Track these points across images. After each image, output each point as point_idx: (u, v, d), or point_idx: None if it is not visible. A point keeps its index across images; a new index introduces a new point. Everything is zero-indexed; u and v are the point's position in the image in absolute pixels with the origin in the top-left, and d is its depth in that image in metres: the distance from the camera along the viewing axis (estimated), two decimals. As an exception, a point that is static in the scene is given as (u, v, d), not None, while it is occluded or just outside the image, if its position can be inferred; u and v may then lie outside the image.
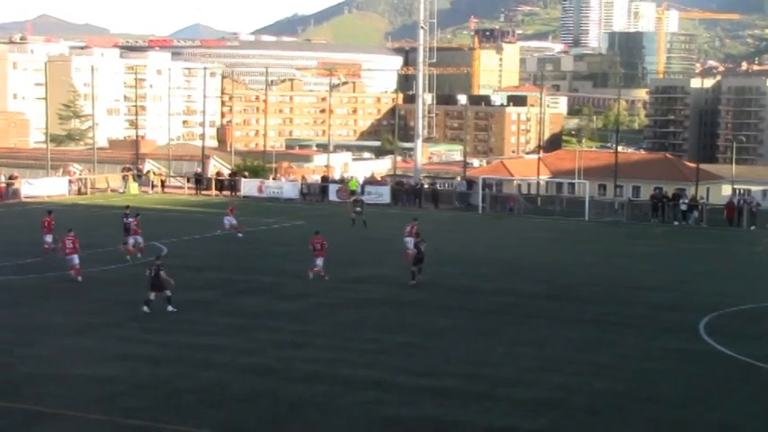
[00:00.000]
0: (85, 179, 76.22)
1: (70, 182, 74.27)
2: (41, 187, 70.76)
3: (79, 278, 37.11)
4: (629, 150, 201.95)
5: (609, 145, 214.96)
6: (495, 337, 29.42)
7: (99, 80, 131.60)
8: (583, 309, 34.16)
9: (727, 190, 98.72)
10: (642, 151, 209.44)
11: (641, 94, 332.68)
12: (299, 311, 32.71)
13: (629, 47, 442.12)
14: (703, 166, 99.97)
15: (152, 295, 31.71)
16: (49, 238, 42.37)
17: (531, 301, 35.44)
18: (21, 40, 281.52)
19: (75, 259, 37.61)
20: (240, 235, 50.42)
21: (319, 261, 38.42)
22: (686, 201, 64.89)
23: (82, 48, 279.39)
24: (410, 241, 40.98)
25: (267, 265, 42.87)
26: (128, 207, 48.20)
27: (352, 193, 70.49)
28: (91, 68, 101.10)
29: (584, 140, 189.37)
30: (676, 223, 62.89)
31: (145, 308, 31.46)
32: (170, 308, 31.65)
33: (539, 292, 37.08)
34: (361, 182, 76.97)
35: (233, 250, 46.62)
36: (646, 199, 74.29)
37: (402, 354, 27.23)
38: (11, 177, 71.80)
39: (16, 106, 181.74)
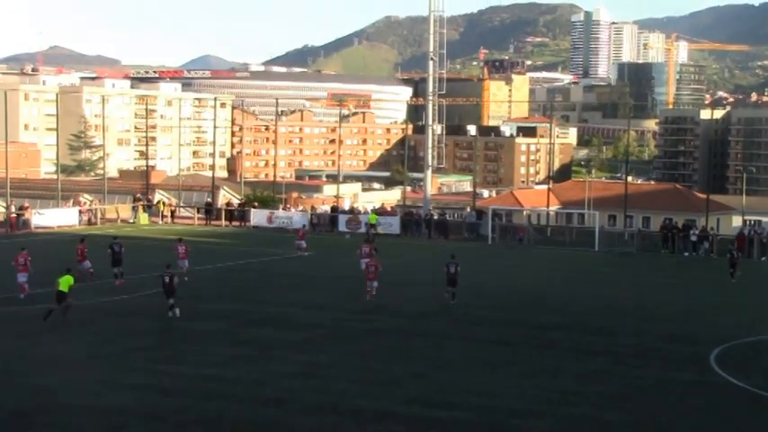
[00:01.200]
0: (96, 209, 76.33)
1: (80, 212, 74.36)
2: (52, 217, 70.86)
3: (22, 296, 38.79)
4: (639, 181, 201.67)
5: (618, 175, 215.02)
6: (505, 368, 29.27)
7: (110, 111, 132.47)
8: (593, 340, 33.98)
9: (737, 221, 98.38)
10: (652, 182, 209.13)
11: (651, 124, 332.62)
12: (307, 342, 32.60)
13: (638, 78, 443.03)
14: (713, 197, 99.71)
15: (171, 301, 35.73)
16: (87, 264, 44.74)
17: (542, 331, 35.26)
18: (32, 71, 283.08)
19: (23, 277, 39.02)
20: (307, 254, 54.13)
21: (373, 284, 40.66)
22: (696, 231, 64.67)
23: (93, 79, 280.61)
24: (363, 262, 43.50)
25: (276, 295, 42.77)
26: (116, 237, 48.05)
27: (372, 226, 70.33)
28: (102, 99, 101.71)
29: (593, 171, 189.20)
30: (687, 254, 62.69)
31: (171, 313, 35.66)
32: (175, 312, 35.78)
33: (549, 323, 36.90)
34: (364, 212, 77.17)
35: (242, 281, 46.57)
36: (656, 230, 74.05)
37: (412, 385, 27.10)
38: (21, 208, 71.92)
39: (27, 137, 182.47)
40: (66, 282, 34.76)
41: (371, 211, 78.83)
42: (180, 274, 40.38)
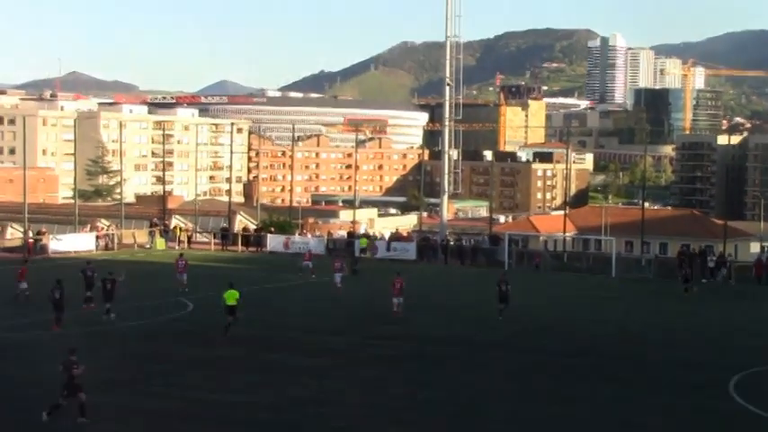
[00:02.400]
0: (113, 234, 76.51)
1: (98, 237, 74.53)
2: (69, 243, 71.01)
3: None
4: (656, 207, 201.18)
5: (635, 201, 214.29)
6: (523, 395, 29.13)
7: (127, 136, 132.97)
8: (611, 366, 33.80)
9: (755, 247, 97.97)
10: (669, 208, 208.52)
11: (668, 150, 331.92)
12: (324, 367, 32.51)
13: (655, 103, 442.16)
14: (731, 223, 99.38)
15: (107, 305, 39.91)
16: (183, 277, 50.17)
17: (559, 358, 35.11)
18: (51, 96, 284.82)
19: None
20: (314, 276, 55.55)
21: (398, 299, 42.61)
22: (714, 258, 64.38)
23: (111, 104, 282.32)
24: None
25: (293, 320, 42.71)
26: (89, 262, 48.05)
27: (362, 251, 70.85)
28: (119, 125, 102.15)
29: (610, 197, 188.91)
30: (704, 281, 62.34)
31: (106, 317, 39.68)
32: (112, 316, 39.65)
33: (566, 350, 36.73)
34: (381, 237, 77.39)
35: (259, 307, 46.52)
36: (673, 256, 73.73)
37: (430, 411, 26.98)
38: (39, 233, 72.17)
39: (45, 162, 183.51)
40: (231, 296, 37.90)
41: (361, 235, 79.28)
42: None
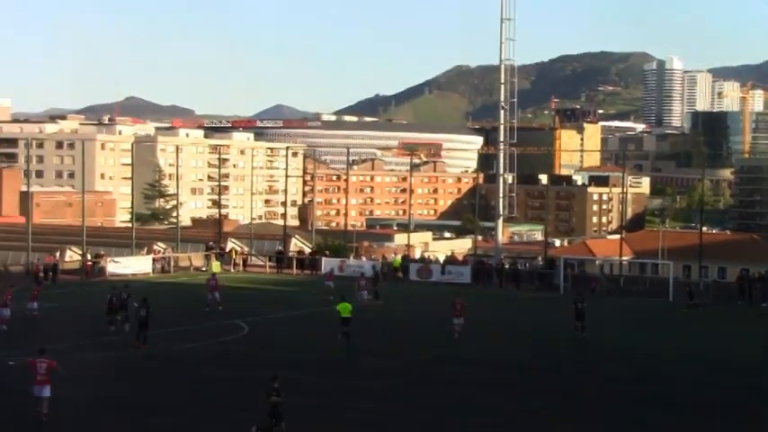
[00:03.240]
0: (169, 257, 77.12)
1: (154, 260, 75.20)
2: (126, 265, 71.67)
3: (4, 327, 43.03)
4: (714, 231, 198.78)
5: (693, 225, 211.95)
6: (584, 420, 28.81)
7: (183, 160, 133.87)
8: (672, 392, 33.29)
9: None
10: (727, 232, 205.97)
11: (726, 173, 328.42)
12: (378, 390, 32.40)
13: (712, 126, 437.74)
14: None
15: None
16: (216, 295, 50.53)
17: (616, 383, 34.70)
18: (109, 121, 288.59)
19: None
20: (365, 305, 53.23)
21: (458, 320, 43.13)
22: (774, 282, 63.34)
23: (168, 128, 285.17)
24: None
25: (347, 343, 42.62)
26: (126, 286, 48.33)
27: (395, 270, 70.80)
28: (176, 148, 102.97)
29: (667, 220, 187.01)
30: (765, 305, 61.36)
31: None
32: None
33: (625, 375, 36.29)
34: (435, 260, 77.30)
35: (312, 329, 46.56)
36: (732, 280, 72.68)
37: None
38: (97, 255, 72.95)
39: (103, 186, 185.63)
40: (345, 308, 41.38)
41: (396, 254, 79.73)
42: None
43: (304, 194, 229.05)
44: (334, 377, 34.84)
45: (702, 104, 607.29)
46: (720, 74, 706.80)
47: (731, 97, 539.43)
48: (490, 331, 46.49)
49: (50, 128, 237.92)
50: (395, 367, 36.62)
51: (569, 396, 32.42)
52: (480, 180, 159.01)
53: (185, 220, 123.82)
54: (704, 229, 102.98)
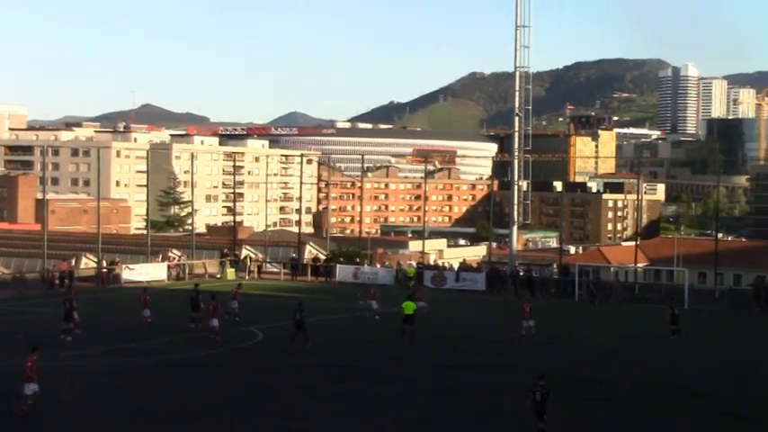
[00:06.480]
0: (184, 264, 77.24)
1: (169, 267, 75.27)
2: (141, 273, 71.77)
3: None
4: (730, 238, 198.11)
5: (708, 232, 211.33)
6: (603, 429, 28.73)
7: (198, 167, 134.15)
8: (686, 400, 33.16)
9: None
10: (743, 239, 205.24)
11: (741, 180, 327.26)
12: (397, 397, 32.35)
13: (728, 133, 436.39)
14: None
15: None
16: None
17: (634, 391, 34.48)
18: (124, 128, 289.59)
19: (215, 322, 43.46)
20: (377, 317, 52.61)
21: (527, 323, 45.14)
22: (790, 289, 63.07)
23: (183, 136, 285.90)
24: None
25: (364, 350, 42.67)
26: (197, 284, 49.05)
27: (409, 278, 70.76)
28: (191, 156, 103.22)
29: (682, 228, 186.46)
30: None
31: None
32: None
33: (641, 382, 36.13)
34: (450, 267, 77.12)
35: (329, 336, 46.53)
36: (748, 287, 72.41)
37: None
38: (112, 262, 73.12)
39: (119, 193, 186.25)
40: (409, 306, 42.92)
41: (409, 264, 79.50)
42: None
43: (318, 201, 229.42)
44: (347, 383, 34.81)
45: (718, 111, 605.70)
46: (736, 81, 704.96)
47: (746, 104, 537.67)
48: (505, 338, 46.35)
49: (66, 135, 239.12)
50: (412, 374, 36.57)
51: (584, 402, 32.11)
52: (495, 187, 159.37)
53: (200, 228, 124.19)
54: (719, 236, 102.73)
